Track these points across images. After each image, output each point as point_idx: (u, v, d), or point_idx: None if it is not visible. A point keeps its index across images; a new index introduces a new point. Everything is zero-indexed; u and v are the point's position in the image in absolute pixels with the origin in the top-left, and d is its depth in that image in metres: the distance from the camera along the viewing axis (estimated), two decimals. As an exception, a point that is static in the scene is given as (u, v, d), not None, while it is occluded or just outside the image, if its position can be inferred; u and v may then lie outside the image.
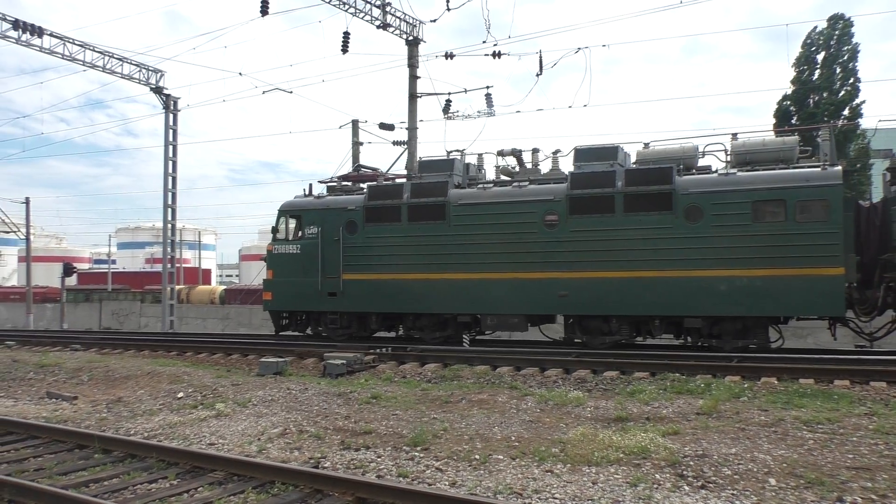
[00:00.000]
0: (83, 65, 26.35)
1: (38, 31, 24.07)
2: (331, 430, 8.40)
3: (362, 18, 22.42)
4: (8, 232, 38.28)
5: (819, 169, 13.23)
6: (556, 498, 5.81)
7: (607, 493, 5.89)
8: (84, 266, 62.34)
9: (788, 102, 29.33)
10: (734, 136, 14.62)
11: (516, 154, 16.98)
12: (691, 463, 6.48)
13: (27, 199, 37.22)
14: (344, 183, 18.22)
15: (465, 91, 24.32)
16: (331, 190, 18.15)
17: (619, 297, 14.16)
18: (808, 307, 13.18)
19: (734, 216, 13.43)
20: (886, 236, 13.20)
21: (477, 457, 7.03)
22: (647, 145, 15.27)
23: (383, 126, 25.02)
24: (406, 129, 23.61)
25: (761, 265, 13.16)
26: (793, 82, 29.56)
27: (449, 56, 22.80)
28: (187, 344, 16.89)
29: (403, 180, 17.61)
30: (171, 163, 28.24)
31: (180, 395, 11.03)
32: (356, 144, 26.62)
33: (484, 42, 22.29)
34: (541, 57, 21.44)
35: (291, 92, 26.35)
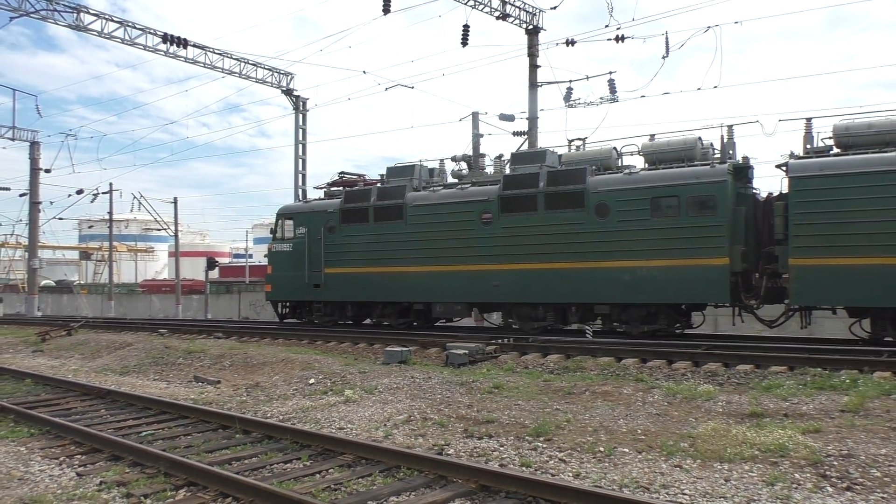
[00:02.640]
0: (222, 72, 28.11)
1: (183, 43, 25.92)
2: (454, 418, 8.52)
3: (481, 10, 22.49)
4: (159, 229, 41.64)
5: (709, 167, 14.29)
6: (685, 494, 5.61)
7: (741, 490, 5.62)
8: (225, 260, 66.64)
9: (948, 73, 26.60)
10: (652, 136, 15.75)
11: (467, 159, 19.28)
12: (835, 463, 6.06)
13: (175, 199, 40.32)
14: (333, 188, 20.44)
15: (587, 78, 23.70)
16: (327, 195, 20.50)
17: (542, 286, 15.76)
18: (699, 294, 14.36)
19: (636, 212, 14.67)
20: (771, 230, 13.94)
21: (601, 449, 6.91)
22: (578, 148, 16.98)
23: (503, 117, 24.99)
24: (526, 119, 23.47)
25: (659, 256, 14.37)
26: (954, 51, 26.77)
27: (570, 43, 22.42)
28: (317, 333, 17.66)
29: (379, 185, 19.39)
30: (300, 161, 29.60)
31: (312, 381, 11.56)
32: (476, 136, 26.74)
33: (606, 26, 21.60)
34: (667, 38, 20.69)
35: (413, 87, 27.03)
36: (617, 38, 21.49)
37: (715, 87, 33.56)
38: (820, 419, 7.57)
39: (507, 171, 17.31)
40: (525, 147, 23.04)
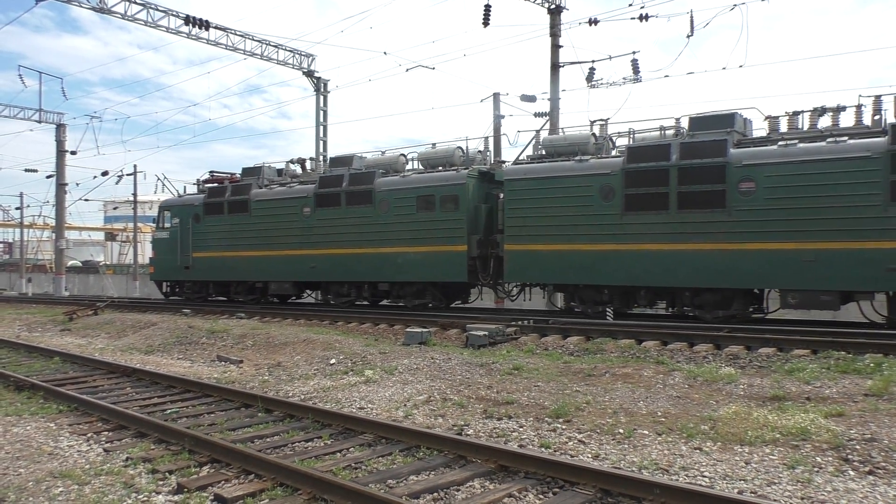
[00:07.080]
0: (243, 53, 28.16)
1: (205, 25, 25.99)
2: (473, 399, 8.57)
3: (502, -10, 22.20)
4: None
5: (455, 171, 17.65)
6: (705, 476, 5.60)
7: (762, 473, 5.60)
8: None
9: (983, 51, 25.94)
10: (434, 145, 19.11)
11: (301, 161, 22.99)
12: (858, 447, 6.01)
13: (198, 180, 40.51)
14: (206, 185, 23.98)
15: (610, 58, 23.24)
16: (200, 190, 24.00)
17: (344, 268, 19.37)
18: (447, 275, 17.53)
19: (406, 207, 18.06)
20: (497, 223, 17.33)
21: (621, 431, 6.91)
22: (384, 153, 20.25)
23: (525, 98, 24.76)
24: (548, 100, 23.23)
25: (421, 244, 17.72)
26: None
27: (593, 22, 22.09)
28: (339, 314, 17.79)
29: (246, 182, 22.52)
30: (321, 142, 29.64)
31: (333, 361, 11.67)
32: (497, 117, 26.56)
33: (630, 5, 21.21)
34: (692, 17, 20.28)
35: (434, 68, 26.78)
36: (641, 17, 21.13)
37: (741, 66, 32.74)
38: (843, 403, 7.51)
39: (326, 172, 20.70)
40: (547, 128, 22.86)
